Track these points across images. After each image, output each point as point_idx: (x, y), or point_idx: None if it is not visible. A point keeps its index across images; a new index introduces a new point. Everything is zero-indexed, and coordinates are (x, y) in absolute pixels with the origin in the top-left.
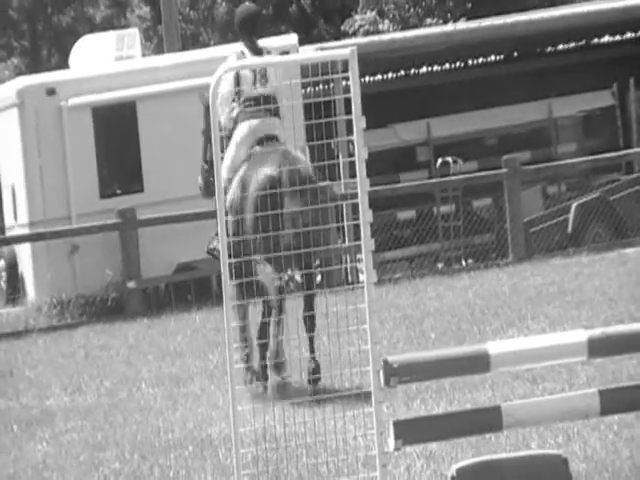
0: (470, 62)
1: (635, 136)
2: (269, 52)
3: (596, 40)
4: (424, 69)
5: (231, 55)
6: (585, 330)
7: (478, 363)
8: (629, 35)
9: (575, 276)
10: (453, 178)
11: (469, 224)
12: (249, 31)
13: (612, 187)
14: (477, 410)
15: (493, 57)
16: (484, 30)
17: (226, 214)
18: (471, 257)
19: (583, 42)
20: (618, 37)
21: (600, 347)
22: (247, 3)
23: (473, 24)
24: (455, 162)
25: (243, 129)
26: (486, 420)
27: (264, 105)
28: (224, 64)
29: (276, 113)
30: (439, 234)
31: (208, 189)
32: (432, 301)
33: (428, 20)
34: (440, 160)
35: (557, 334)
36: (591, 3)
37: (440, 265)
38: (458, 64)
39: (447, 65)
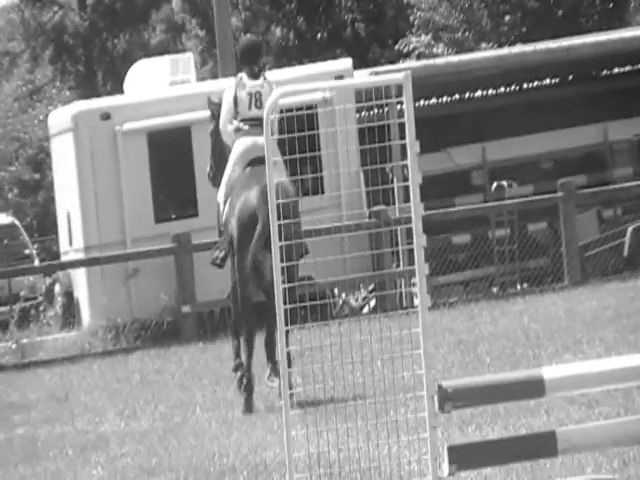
0: (525, 86)
1: None
2: (266, 78)
3: None
4: (479, 93)
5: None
6: None
7: (533, 388)
8: None
9: (631, 300)
10: (508, 202)
11: (524, 248)
12: (250, 60)
13: None
14: (532, 435)
15: (548, 80)
16: (539, 53)
17: (221, 233)
18: (526, 281)
19: (639, 65)
20: None
21: None
22: (249, 35)
23: (528, 47)
24: (510, 186)
25: (238, 149)
26: (541, 445)
27: (259, 126)
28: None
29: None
30: (494, 258)
31: (214, 180)
32: (487, 325)
33: (483, 44)
34: (495, 184)
35: (613, 358)
36: None
37: (495, 289)
38: (513, 88)
39: (502, 89)
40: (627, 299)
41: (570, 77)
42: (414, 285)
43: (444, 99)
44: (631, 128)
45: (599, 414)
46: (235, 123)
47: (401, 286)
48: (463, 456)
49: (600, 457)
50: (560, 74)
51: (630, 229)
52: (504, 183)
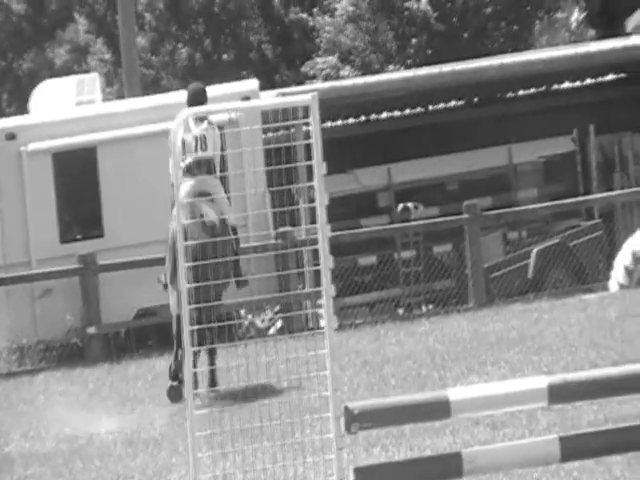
0: (431, 107)
1: (595, 182)
2: (210, 122)
3: (556, 86)
4: (385, 114)
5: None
6: (545, 376)
7: (438, 409)
8: (589, 81)
9: (535, 322)
10: (414, 223)
11: (430, 270)
12: (196, 105)
13: (572, 233)
14: (437, 456)
15: (454, 103)
16: (444, 76)
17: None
18: (432, 303)
19: (544, 88)
20: (578, 83)
21: (560, 393)
22: (196, 83)
23: (434, 70)
24: (416, 207)
25: (185, 188)
26: (446, 466)
27: (203, 166)
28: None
29: (210, 172)
30: (400, 279)
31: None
32: (393, 347)
33: (389, 66)
34: (401, 205)
35: (517, 380)
36: (551, 49)
37: (401, 311)
38: (419, 109)
39: (408, 110)
40: (532, 321)
41: (475, 99)
42: (320, 306)
43: (350, 121)
44: (536, 150)
45: (504, 435)
46: (182, 165)
47: (307, 307)
48: (369, 477)
49: (505, 478)
50: (466, 96)
51: (534, 251)
52: (410, 205)
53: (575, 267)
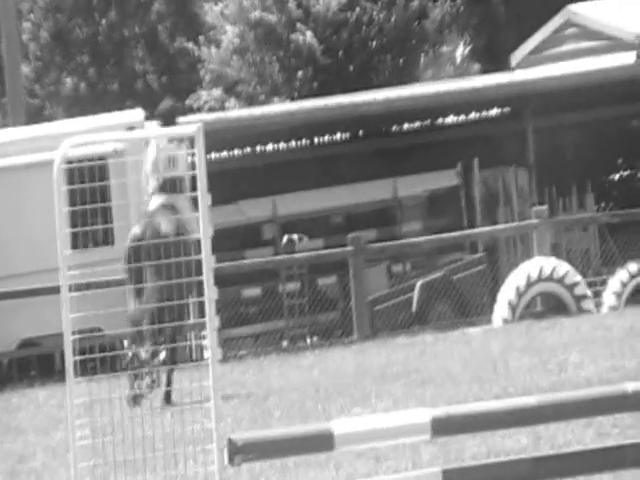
0: (316, 140)
1: (479, 216)
2: (180, 142)
3: (441, 120)
4: (270, 147)
5: (152, 142)
6: (429, 409)
7: (322, 442)
8: (474, 116)
9: (419, 355)
10: (298, 256)
11: (314, 302)
12: (168, 124)
13: (456, 266)
14: None
15: (339, 135)
16: (330, 109)
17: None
18: (316, 335)
19: (428, 122)
20: (463, 117)
21: (444, 426)
22: (169, 101)
23: (319, 102)
24: (301, 239)
25: (153, 203)
26: None
27: (173, 185)
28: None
29: (181, 190)
30: (284, 311)
31: None
32: (277, 379)
33: (275, 98)
34: (286, 237)
35: (401, 413)
36: (437, 83)
37: (285, 343)
38: (304, 142)
39: (293, 143)
40: (415, 354)
41: (360, 132)
42: (204, 338)
43: (235, 152)
44: (420, 184)
45: (387, 468)
46: (153, 182)
47: (191, 339)
48: None
49: None
50: (351, 129)
51: (418, 284)
52: (295, 237)
53: (459, 300)
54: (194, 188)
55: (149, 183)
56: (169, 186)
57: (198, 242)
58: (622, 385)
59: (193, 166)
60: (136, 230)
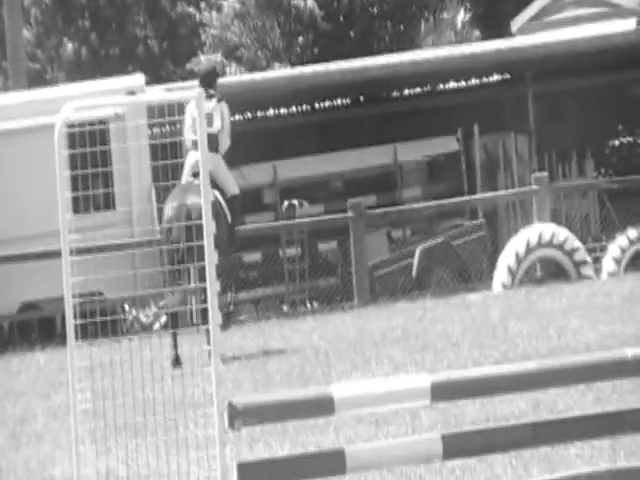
0: (317, 106)
1: (479, 182)
2: (219, 101)
3: (442, 86)
4: (271, 112)
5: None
6: (428, 374)
7: (322, 406)
8: (474, 82)
9: (419, 320)
10: (299, 221)
11: (315, 267)
12: (207, 83)
13: (456, 232)
14: (321, 453)
15: (340, 101)
16: (330, 74)
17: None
18: (317, 300)
19: (429, 88)
20: (463, 83)
21: (443, 391)
22: (209, 60)
23: (320, 68)
24: (301, 205)
25: (189, 161)
26: (330, 463)
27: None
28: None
29: (214, 148)
30: (285, 277)
31: None
32: (277, 343)
33: (276, 64)
34: (286, 203)
35: (401, 378)
36: (437, 49)
37: (286, 308)
38: (305, 107)
39: (294, 108)
40: (415, 319)
41: (361, 98)
42: (205, 302)
43: (237, 117)
44: (421, 150)
45: (387, 433)
46: (193, 137)
47: (192, 303)
48: (252, 473)
49: (388, 475)
50: (351, 95)
51: (418, 250)
52: (295, 202)
53: (459, 266)
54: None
55: (187, 139)
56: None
57: (232, 201)
58: (621, 351)
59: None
60: (168, 212)
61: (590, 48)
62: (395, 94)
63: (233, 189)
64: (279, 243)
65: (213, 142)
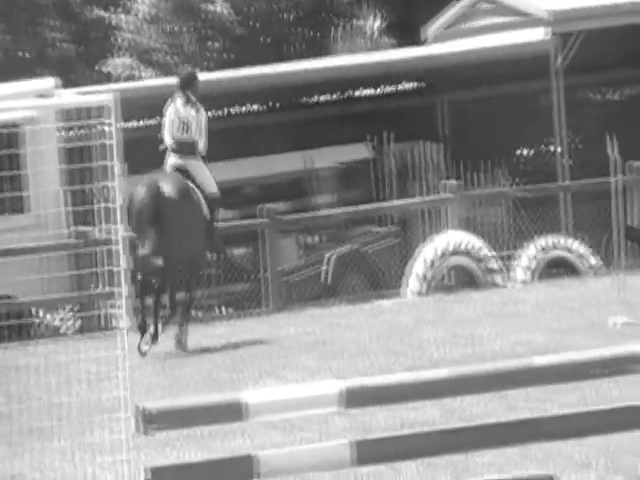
0: (231, 111)
1: (391, 189)
2: (198, 109)
3: (354, 93)
4: None
5: (172, 103)
6: (340, 381)
7: (234, 411)
8: (386, 89)
9: (331, 327)
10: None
11: (227, 272)
12: (187, 88)
13: (367, 239)
14: (233, 458)
15: (253, 107)
16: (243, 80)
17: None
18: (229, 305)
19: (342, 95)
20: (376, 91)
21: (355, 398)
22: (190, 69)
23: (233, 73)
24: None
25: (167, 163)
26: (242, 468)
27: (184, 148)
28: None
29: (193, 154)
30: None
31: None
32: (190, 349)
33: (189, 68)
34: None
35: (313, 384)
36: (350, 56)
37: (199, 313)
38: (217, 113)
39: (208, 113)
40: (327, 325)
41: (276, 104)
42: (115, 306)
43: (150, 122)
44: (333, 156)
45: (299, 439)
46: (169, 141)
47: (103, 307)
48: (164, 478)
49: None
50: (264, 101)
51: (331, 256)
52: None
53: (371, 273)
54: (108, 157)
55: (165, 140)
56: (181, 148)
57: (211, 200)
58: (531, 359)
59: (108, 135)
60: (139, 190)
61: (502, 57)
62: (308, 100)
63: (212, 190)
64: None
65: (191, 147)
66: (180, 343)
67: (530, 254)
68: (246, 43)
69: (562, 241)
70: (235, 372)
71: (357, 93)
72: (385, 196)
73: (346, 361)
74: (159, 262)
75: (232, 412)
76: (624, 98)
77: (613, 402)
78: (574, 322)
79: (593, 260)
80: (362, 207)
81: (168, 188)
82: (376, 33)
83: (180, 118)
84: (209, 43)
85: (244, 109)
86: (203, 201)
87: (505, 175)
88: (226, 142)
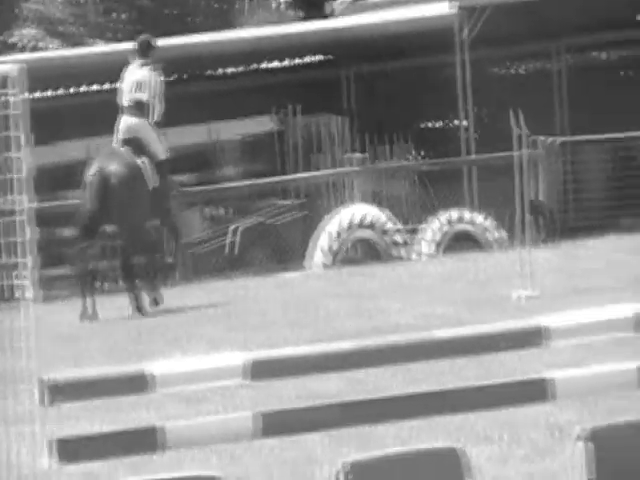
0: None
1: (296, 162)
2: (153, 69)
3: (260, 65)
4: (85, 88)
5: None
6: (246, 352)
7: (138, 383)
8: (293, 62)
9: (236, 299)
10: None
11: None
12: (141, 53)
13: (273, 212)
14: (137, 430)
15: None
16: None
17: None
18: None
19: (247, 67)
20: (282, 63)
21: (260, 370)
22: (144, 34)
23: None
24: None
25: (118, 126)
26: (147, 440)
27: (136, 108)
28: None
29: (144, 114)
30: (100, 253)
31: None
32: (94, 321)
33: (95, 40)
34: None
35: (217, 356)
36: (255, 28)
37: (104, 284)
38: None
39: (108, 85)
40: (233, 297)
41: (183, 75)
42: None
43: (54, 92)
44: (238, 129)
45: (204, 411)
46: (124, 101)
47: (7, 278)
48: (67, 450)
49: (209, 453)
50: (169, 73)
51: (236, 229)
52: None
53: (275, 245)
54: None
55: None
56: (134, 108)
57: (159, 166)
58: (434, 332)
59: (14, 106)
60: (87, 177)
61: (407, 30)
62: (213, 73)
63: (161, 154)
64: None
65: (144, 109)
66: (155, 301)
67: (435, 227)
68: (151, 15)
69: (467, 215)
70: (140, 344)
71: (262, 65)
72: (291, 169)
73: (251, 333)
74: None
75: (137, 383)
76: (529, 72)
77: (516, 375)
78: (478, 295)
79: (497, 234)
80: (267, 180)
81: (116, 172)
82: (282, 6)
83: (134, 80)
84: (114, 15)
85: None
86: (150, 171)
87: (410, 148)
88: None
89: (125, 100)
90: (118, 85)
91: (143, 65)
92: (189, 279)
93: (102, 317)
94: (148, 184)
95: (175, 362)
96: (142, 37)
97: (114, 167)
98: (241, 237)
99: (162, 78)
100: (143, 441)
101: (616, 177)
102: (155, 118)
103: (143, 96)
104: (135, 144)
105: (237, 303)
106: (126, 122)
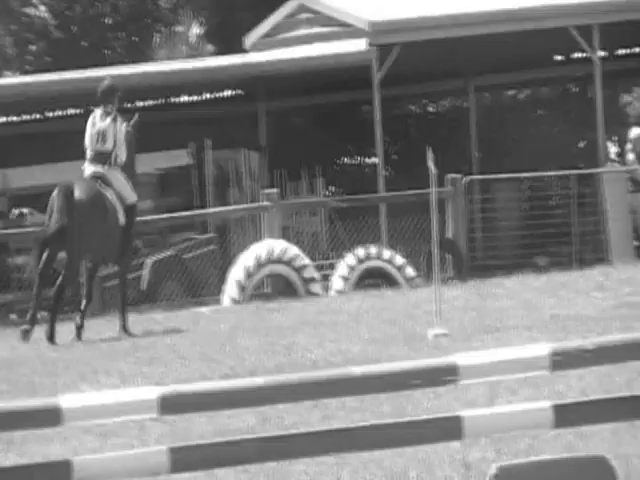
0: (48, 114)
1: (210, 196)
2: (115, 118)
3: (174, 99)
4: (3, 119)
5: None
6: (157, 387)
7: (49, 416)
8: (207, 96)
9: (148, 333)
10: (29, 229)
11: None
12: (104, 100)
13: (187, 245)
14: (48, 464)
15: (70, 111)
16: (62, 83)
17: None
18: (46, 309)
19: (162, 100)
20: (196, 97)
21: (171, 404)
22: (107, 79)
23: (52, 76)
24: (31, 214)
25: (83, 173)
26: (57, 474)
27: (101, 158)
28: None
29: (108, 163)
30: (13, 285)
31: None
32: (4, 352)
33: (8, 72)
34: (16, 211)
35: (129, 390)
36: (170, 62)
37: (14, 316)
38: (35, 116)
39: (25, 116)
40: (145, 331)
41: (92, 108)
42: None
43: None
44: (154, 162)
45: (115, 445)
46: (88, 152)
47: None
48: None
49: None
50: (82, 105)
51: (149, 262)
52: (25, 210)
53: (189, 280)
54: None
55: (87, 148)
56: (98, 158)
57: (128, 209)
58: (347, 368)
59: None
60: (53, 194)
61: (322, 67)
62: (128, 106)
63: (131, 198)
64: (8, 251)
65: (106, 158)
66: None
67: (348, 264)
68: (65, 47)
69: (379, 251)
70: (51, 377)
71: (177, 99)
72: (205, 203)
73: (163, 367)
74: (65, 259)
75: (48, 417)
76: (441, 110)
77: (429, 412)
78: (392, 333)
79: (410, 271)
80: (182, 214)
81: (80, 193)
82: (196, 39)
83: (97, 130)
84: (29, 46)
85: (62, 113)
86: (120, 208)
87: (324, 185)
88: (45, 146)
89: (90, 150)
90: (87, 128)
91: (107, 115)
92: (101, 312)
93: (11, 350)
94: (117, 216)
95: (86, 396)
96: (105, 83)
97: (78, 191)
98: (154, 271)
99: (125, 125)
100: (54, 475)
101: (529, 216)
102: (118, 164)
103: (107, 147)
104: (104, 180)
105: (148, 337)
106: (93, 170)
